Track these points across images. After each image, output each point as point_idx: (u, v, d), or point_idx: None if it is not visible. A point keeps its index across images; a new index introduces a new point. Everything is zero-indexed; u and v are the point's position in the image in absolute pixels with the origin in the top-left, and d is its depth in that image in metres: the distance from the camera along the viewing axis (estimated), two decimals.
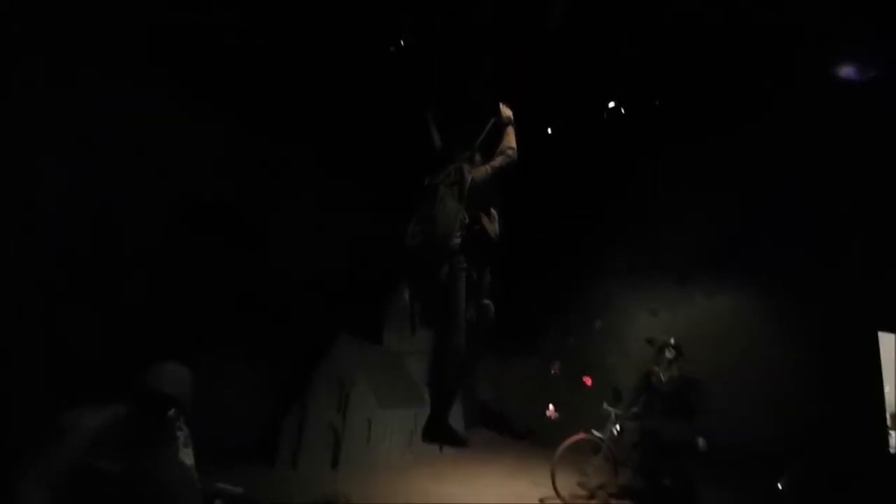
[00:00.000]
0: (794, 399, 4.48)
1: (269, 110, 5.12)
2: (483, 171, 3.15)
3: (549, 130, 5.47)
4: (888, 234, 4.39)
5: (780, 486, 3.72)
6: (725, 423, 4.20)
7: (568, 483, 4.42)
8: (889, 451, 4.23)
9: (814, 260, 4.65)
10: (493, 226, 3.18)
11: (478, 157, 3.27)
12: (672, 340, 4.29)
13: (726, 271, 5.32)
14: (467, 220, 3.07)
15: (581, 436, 4.50)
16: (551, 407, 6.11)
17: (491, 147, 3.24)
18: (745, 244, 5.12)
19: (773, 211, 5.00)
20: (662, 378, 4.11)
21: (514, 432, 6.31)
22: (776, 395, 4.61)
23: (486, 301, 3.22)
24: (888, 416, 4.38)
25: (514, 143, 3.22)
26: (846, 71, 4.37)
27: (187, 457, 2.42)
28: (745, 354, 4.93)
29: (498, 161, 3.17)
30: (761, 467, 3.96)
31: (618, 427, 4.96)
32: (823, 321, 4.54)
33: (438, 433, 3.23)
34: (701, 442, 3.81)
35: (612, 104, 5.09)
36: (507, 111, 3.32)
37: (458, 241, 3.00)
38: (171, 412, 2.40)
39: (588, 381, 5.93)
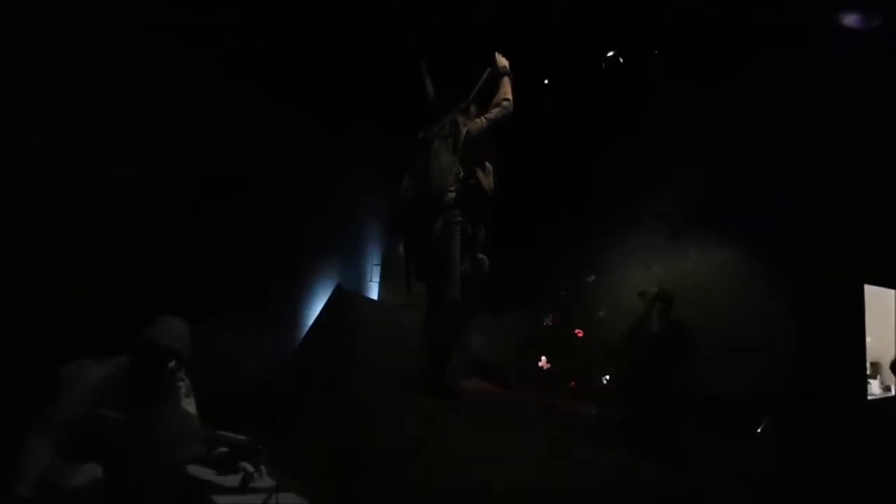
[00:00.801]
0: (780, 350, 4.61)
1: (254, 61, 4.96)
2: (478, 123, 3.09)
3: (546, 81, 5.36)
4: (880, 189, 4.40)
5: (759, 431, 3.88)
6: (712, 372, 4.33)
7: None
8: (867, 399, 4.41)
9: (805, 214, 4.68)
10: (488, 179, 3.15)
11: (473, 109, 3.20)
12: (662, 291, 4.35)
13: (719, 225, 5.35)
14: (462, 174, 3.04)
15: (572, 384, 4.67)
16: (543, 358, 6.28)
17: (487, 98, 3.17)
18: (738, 198, 5.13)
19: (766, 165, 4.97)
20: (653, 327, 4.20)
21: (506, 383, 6.49)
22: (762, 346, 4.74)
23: (481, 255, 3.23)
24: (868, 365, 4.56)
25: (510, 94, 3.14)
26: (848, 19, 4.27)
27: (190, 406, 2.49)
28: (734, 307, 5.03)
29: (494, 113, 3.11)
30: (744, 416, 4.11)
31: (608, 377, 5.13)
32: (812, 274, 4.62)
33: (434, 387, 3.32)
34: (687, 389, 3.94)
35: (610, 53, 4.97)
36: (503, 61, 3.23)
37: (452, 195, 2.98)
38: (172, 364, 2.46)
39: (580, 333, 6.08)
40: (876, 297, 4.68)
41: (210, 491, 2.60)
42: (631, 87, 5.38)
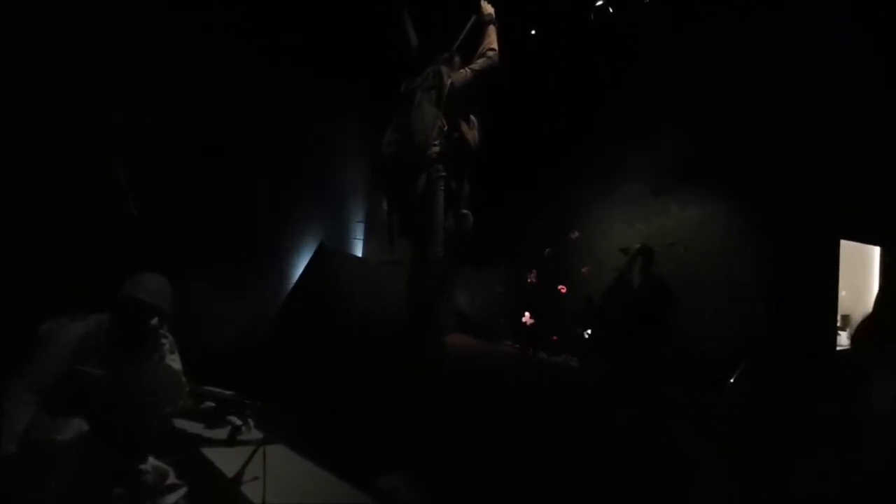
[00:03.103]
0: (757, 304, 4.74)
1: (235, 14, 4.75)
2: (463, 74, 2.99)
3: (533, 32, 5.21)
4: (862, 144, 4.43)
5: (731, 381, 4.02)
6: (692, 326, 4.44)
7: None
8: (836, 350, 4.59)
9: (786, 169, 4.70)
10: (472, 133, 3.08)
11: (457, 59, 3.08)
12: (643, 247, 4.39)
13: (700, 182, 5.37)
14: (446, 128, 2.96)
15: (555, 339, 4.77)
16: (527, 314, 6.38)
17: (471, 48, 3.06)
18: (719, 154, 5.12)
19: (749, 120, 4.95)
20: (634, 283, 4.26)
21: (490, 338, 6.61)
22: (740, 300, 4.86)
23: (465, 211, 3.20)
24: (839, 317, 4.71)
25: (495, 44, 3.03)
26: None
27: (174, 362, 2.48)
28: (713, 261, 5.12)
29: (479, 63, 3.00)
30: (721, 369, 4.25)
31: (588, 331, 5.24)
32: (790, 229, 4.69)
33: (417, 343, 3.35)
34: (667, 344, 4.05)
35: (600, 2, 4.82)
36: (488, 8, 3.10)
37: (436, 149, 2.91)
38: (154, 321, 2.44)
39: (563, 289, 6.16)
40: (856, 253, 4.82)
41: (199, 444, 2.64)
42: (617, 39, 5.27)
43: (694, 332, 4.46)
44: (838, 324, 4.71)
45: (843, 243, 4.69)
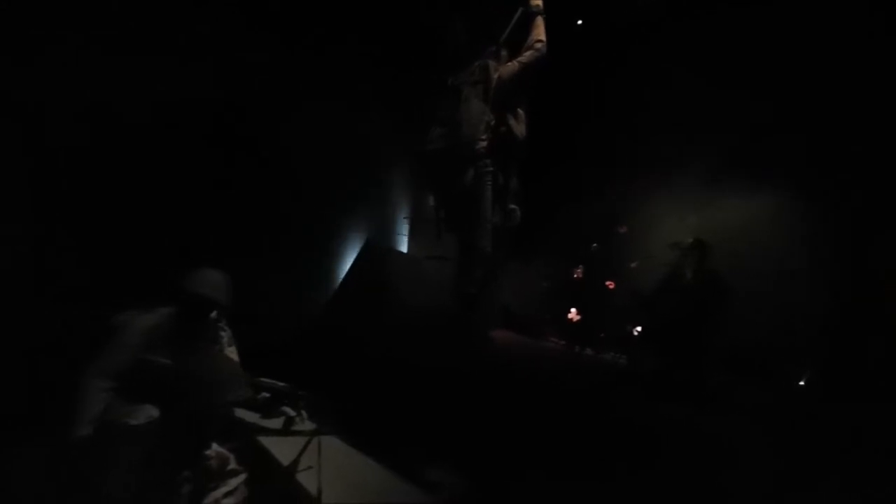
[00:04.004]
0: (825, 302, 4.45)
1: (279, 7, 4.85)
2: (510, 67, 2.96)
3: (580, 22, 5.09)
4: None
5: (801, 384, 3.82)
6: (751, 324, 4.24)
7: None
8: None
9: (856, 154, 4.38)
10: (520, 127, 3.04)
11: (504, 53, 3.06)
12: (697, 241, 4.23)
13: (759, 169, 5.09)
14: (493, 122, 2.94)
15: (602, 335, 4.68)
16: (573, 310, 6.27)
17: (519, 40, 3.02)
18: (779, 141, 4.84)
19: (810, 104, 4.65)
20: (687, 278, 4.11)
21: (535, 334, 6.54)
22: (806, 297, 4.58)
23: (513, 206, 3.17)
24: None
25: (543, 36, 2.98)
26: None
27: (232, 354, 2.60)
28: (774, 257, 4.85)
29: (526, 56, 2.96)
30: (785, 369, 4.04)
31: (638, 328, 5.11)
32: (857, 220, 4.39)
33: (463, 338, 3.36)
34: (722, 342, 3.89)
35: None
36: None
37: (483, 143, 2.89)
38: (213, 314, 2.57)
39: (611, 285, 6.01)
40: None
41: (255, 432, 2.75)
42: (666, 25, 5.09)
43: (756, 331, 4.26)
44: None
45: None
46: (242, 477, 2.08)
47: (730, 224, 5.28)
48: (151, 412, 2.13)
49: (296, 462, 2.15)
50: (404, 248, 6.75)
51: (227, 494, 1.98)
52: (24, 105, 2.97)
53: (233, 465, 2.08)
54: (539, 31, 2.97)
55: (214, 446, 2.03)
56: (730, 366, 3.98)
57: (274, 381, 2.91)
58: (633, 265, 5.83)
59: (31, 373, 2.90)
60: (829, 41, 4.40)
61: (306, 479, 2.11)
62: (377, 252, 5.38)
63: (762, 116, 4.87)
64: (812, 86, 4.59)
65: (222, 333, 2.73)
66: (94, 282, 3.48)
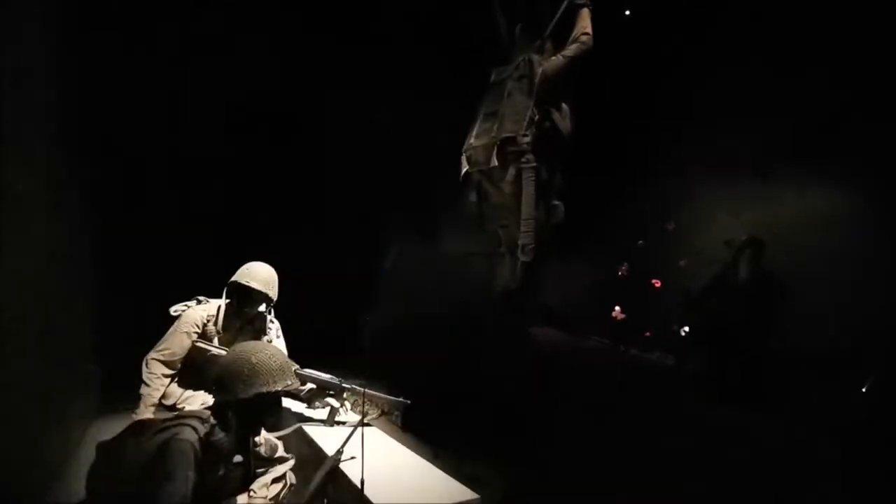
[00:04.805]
0: (882, 304, 4.18)
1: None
2: (555, 61, 2.92)
3: (627, 13, 4.95)
4: None
5: (864, 389, 3.59)
6: (811, 324, 4.02)
7: None
8: None
9: None
10: (565, 122, 3.01)
11: (549, 46, 3.02)
12: (751, 238, 4.05)
13: (817, 161, 4.79)
14: (537, 117, 2.92)
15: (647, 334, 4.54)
16: (617, 308, 6.13)
17: (564, 33, 2.97)
18: (839, 133, 4.55)
19: (871, 95, 4.34)
20: (740, 277, 3.94)
21: (578, 332, 6.43)
22: (863, 299, 4.32)
23: (556, 202, 3.14)
24: None
25: (589, 29, 2.93)
26: None
27: (281, 345, 2.70)
28: (833, 256, 4.58)
29: (572, 50, 2.91)
30: (845, 372, 3.81)
31: (686, 328, 4.93)
32: None
33: (503, 333, 3.35)
34: (778, 342, 3.71)
35: None
36: None
37: (527, 139, 2.88)
38: (262, 307, 2.68)
39: (657, 283, 5.84)
40: None
41: (301, 421, 2.84)
42: (715, 14, 4.86)
43: (811, 331, 4.04)
44: None
45: None
46: (290, 464, 2.16)
47: (786, 220, 5.01)
48: (205, 398, 2.24)
49: (339, 451, 2.21)
50: (446, 244, 6.75)
51: (275, 480, 2.06)
52: (89, 99, 3.15)
53: (281, 453, 2.16)
54: (585, 24, 2.93)
55: (264, 433, 2.11)
56: (786, 369, 3.79)
57: (318, 373, 3.00)
58: (682, 263, 5.63)
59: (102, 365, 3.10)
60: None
61: (350, 469, 2.16)
62: (418, 246, 5.41)
63: (821, 107, 4.59)
64: (876, 74, 4.29)
65: (270, 325, 2.84)
66: (157, 276, 3.68)
